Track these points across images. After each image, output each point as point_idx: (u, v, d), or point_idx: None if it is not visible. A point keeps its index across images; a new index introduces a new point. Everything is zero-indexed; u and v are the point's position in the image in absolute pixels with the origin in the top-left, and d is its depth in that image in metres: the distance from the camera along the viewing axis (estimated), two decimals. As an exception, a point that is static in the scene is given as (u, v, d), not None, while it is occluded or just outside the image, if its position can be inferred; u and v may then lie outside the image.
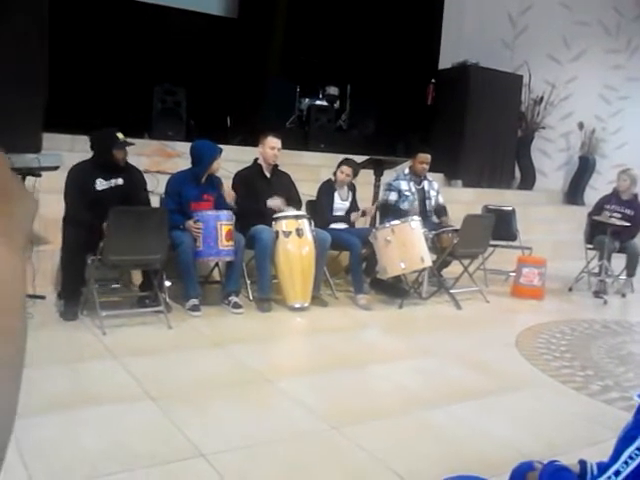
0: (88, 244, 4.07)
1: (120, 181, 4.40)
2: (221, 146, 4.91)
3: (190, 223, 4.55)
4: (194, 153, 4.85)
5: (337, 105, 9.34)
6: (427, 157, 5.89)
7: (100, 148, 4.37)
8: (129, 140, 4.45)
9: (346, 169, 5.49)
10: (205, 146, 4.85)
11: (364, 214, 5.60)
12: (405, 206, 5.78)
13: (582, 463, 1.45)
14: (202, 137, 5.23)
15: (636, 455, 1.17)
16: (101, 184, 4.34)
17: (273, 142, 5.11)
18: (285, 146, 5.35)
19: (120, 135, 4.34)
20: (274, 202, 5.03)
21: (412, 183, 5.87)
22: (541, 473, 1.40)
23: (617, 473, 1.18)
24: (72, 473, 2.28)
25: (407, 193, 5.82)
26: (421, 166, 5.88)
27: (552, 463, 1.43)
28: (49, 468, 2.28)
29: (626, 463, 1.18)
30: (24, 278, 0.51)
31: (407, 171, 5.93)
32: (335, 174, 5.55)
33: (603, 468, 1.26)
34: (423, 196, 5.92)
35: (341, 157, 5.81)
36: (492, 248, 6.10)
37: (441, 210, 5.99)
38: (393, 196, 5.82)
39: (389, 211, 5.73)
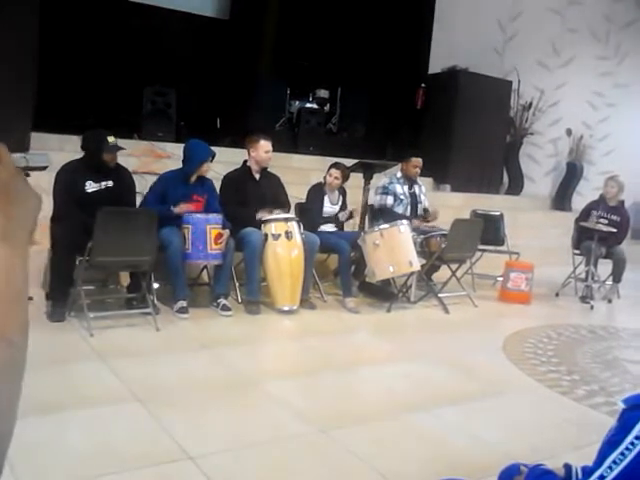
0: (77, 245, 4.05)
1: (110, 183, 4.40)
2: (210, 148, 4.90)
3: (181, 205, 4.55)
4: (186, 151, 4.85)
5: (327, 108, 9.34)
6: (420, 161, 5.97)
7: (90, 149, 4.36)
8: (120, 145, 4.43)
9: (335, 172, 5.50)
10: (198, 147, 4.84)
11: (351, 215, 5.60)
12: (400, 209, 5.82)
13: (567, 467, 1.47)
14: (192, 138, 5.20)
15: (620, 460, 1.18)
16: (91, 186, 4.33)
17: (267, 146, 5.11)
18: (275, 148, 5.34)
19: (111, 138, 4.33)
20: (262, 213, 5.00)
21: (405, 187, 5.92)
22: (526, 476, 1.42)
23: (601, 478, 1.19)
24: (59, 475, 2.27)
25: (402, 197, 5.88)
26: (414, 170, 5.94)
27: (537, 467, 1.44)
28: (36, 471, 2.26)
29: (610, 468, 1.19)
30: (25, 276, 0.50)
31: (399, 174, 5.97)
32: (325, 178, 5.57)
33: (588, 472, 1.27)
34: (415, 200, 5.97)
35: (331, 160, 5.85)
36: (480, 253, 6.14)
37: (425, 211, 6.03)
38: (390, 200, 5.85)
39: (384, 214, 5.75)
